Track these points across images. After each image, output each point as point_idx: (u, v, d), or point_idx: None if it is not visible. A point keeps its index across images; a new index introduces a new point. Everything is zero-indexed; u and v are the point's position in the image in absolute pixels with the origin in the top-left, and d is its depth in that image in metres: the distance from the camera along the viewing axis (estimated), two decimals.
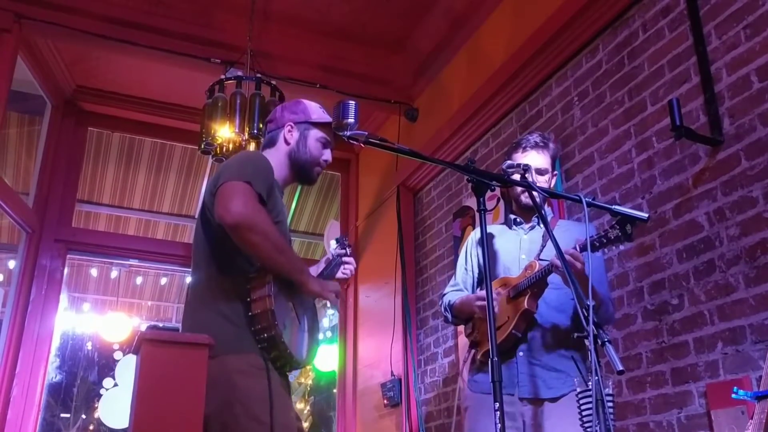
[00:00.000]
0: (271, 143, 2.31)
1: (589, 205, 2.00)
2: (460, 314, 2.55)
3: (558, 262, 2.15)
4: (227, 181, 1.98)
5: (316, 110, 2.34)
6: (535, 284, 2.28)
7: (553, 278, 2.27)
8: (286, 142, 2.28)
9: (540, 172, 2.48)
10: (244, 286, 2.01)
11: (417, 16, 4.35)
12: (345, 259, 2.43)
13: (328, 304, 2.31)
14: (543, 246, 2.39)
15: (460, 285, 2.62)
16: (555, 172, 2.59)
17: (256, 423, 1.89)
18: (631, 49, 2.95)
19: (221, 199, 1.95)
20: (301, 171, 2.30)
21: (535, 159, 2.48)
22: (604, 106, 3.06)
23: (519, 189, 2.49)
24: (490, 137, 3.98)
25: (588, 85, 3.19)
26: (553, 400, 2.27)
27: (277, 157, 2.25)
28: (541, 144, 2.52)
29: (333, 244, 2.49)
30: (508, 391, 2.21)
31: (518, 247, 2.49)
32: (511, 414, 2.22)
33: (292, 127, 2.29)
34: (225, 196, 1.95)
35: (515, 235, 2.53)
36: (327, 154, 2.34)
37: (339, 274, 2.42)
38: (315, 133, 2.30)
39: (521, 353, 2.33)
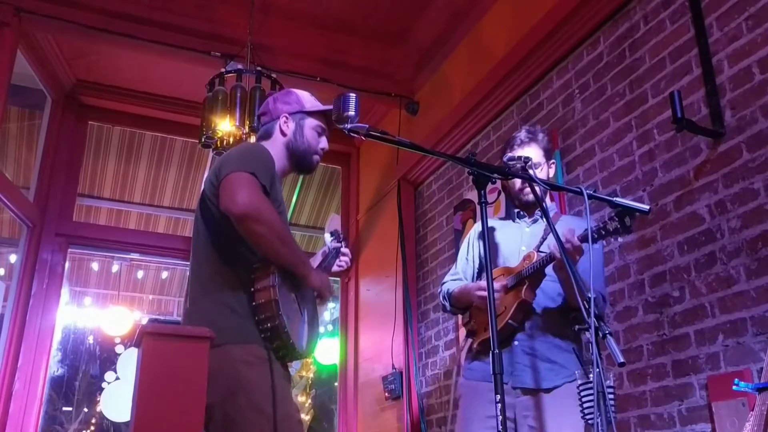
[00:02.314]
0: (267, 135, 2.31)
1: (590, 197, 2.00)
2: (458, 303, 2.56)
3: (556, 254, 2.16)
4: (232, 172, 1.98)
5: (308, 99, 2.35)
6: (533, 275, 2.28)
7: (551, 270, 2.27)
8: (283, 134, 2.28)
9: (532, 166, 2.46)
10: (247, 277, 2.02)
11: (417, 8, 4.34)
12: (342, 250, 2.44)
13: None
14: (543, 238, 2.39)
15: (459, 274, 2.63)
16: (552, 161, 2.57)
17: (259, 413, 1.90)
18: (632, 41, 2.94)
19: (227, 190, 1.95)
20: (300, 160, 2.30)
21: (526, 153, 2.48)
22: (605, 98, 3.05)
23: (518, 186, 2.49)
24: (491, 130, 3.97)
25: (589, 78, 3.18)
26: (548, 390, 2.28)
27: (274, 149, 2.25)
28: (526, 139, 2.52)
29: (328, 237, 2.50)
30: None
31: (519, 240, 2.49)
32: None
33: (287, 118, 2.29)
34: (231, 187, 1.95)
35: (517, 227, 2.54)
36: (324, 142, 2.35)
37: (335, 267, 2.43)
38: (310, 122, 2.31)
39: (517, 343, 2.34)
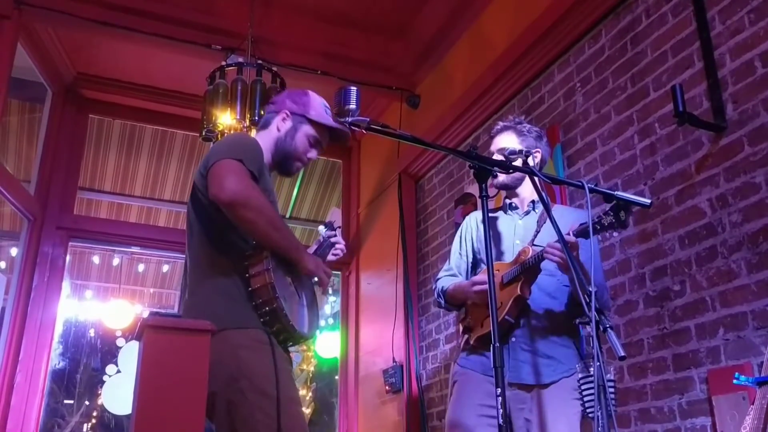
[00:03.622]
0: (265, 126, 2.32)
1: (591, 191, 1.99)
2: (453, 300, 2.55)
3: (550, 249, 2.16)
4: (219, 160, 1.99)
5: (317, 107, 2.31)
6: (528, 270, 2.28)
7: (547, 264, 2.27)
8: (277, 129, 2.28)
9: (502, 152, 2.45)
10: (241, 263, 2.02)
11: (419, 1, 4.32)
12: (334, 239, 2.44)
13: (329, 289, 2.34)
14: (537, 232, 2.39)
15: (453, 270, 2.63)
16: (537, 150, 2.50)
17: (264, 396, 1.91)
18: (633, 35, 2.93)
19: (214, 178, 1.96)
20: (282, 161, 2.28)
21: (501, 141, 2.50)
22: (607, 92, 3.05)
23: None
24: (492, 124, 3.95)
25: (590, 71, 3.17)
26: (544, 386, 2.28)
27: (265, 141, 2.25)
28: (500, 127, 2.55)
29: (322, 229, 2.50)
30: None
31: (512, 233, 2.49)
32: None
33: (286, 116, 2.29)
34: (218, 175, 1.95)
35: (510, 220, 2.53)
36: (312, 153, 2.32)
37: (330, 256, 2.44)
38: (307, 129, 2.28)
39: (513, 339, 2.33)
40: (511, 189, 2.54)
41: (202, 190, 2.07)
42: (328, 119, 2.29)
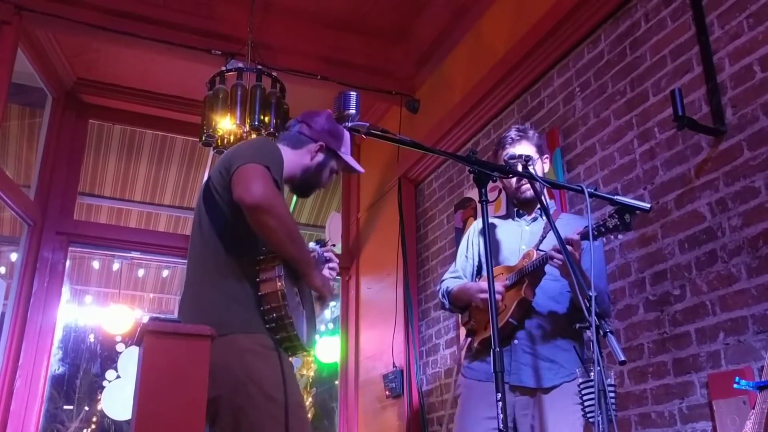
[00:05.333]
0: (296, 144, 2.32)
1: (591, 195, 2.00)
2: (457, 301, 2.56)
3: (554, 253, 2.16)
4: (247, 163, 1.99)
5: (347, 143, 2.39)
6: (532, 273, 2.29)
7: (551, 268, 2.27)
8: (310, 158, 2.31)
9: (533, 163, 2.48)
10: (251, 268, 2.03)
11: (418, 6, 4.34)
12: (328, 255, 2.42)
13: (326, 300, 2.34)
14: (543, 237, 2.39)
15: (459, 272, 2.63)
16: (546, 156, 2.60)
17: (272, 402, 1.91)
18: (633, 39, 2.94)
19: (242, 180, 1.96)
20: (302, 185, 2.35)
21: (519, 151, 2.49)
22: (606, 96, 3.05)
23: (515, 184, 2.50)
24: (491, 128, 3.97)
25: (590, 76, 3.18)
26: (546, 390, 2.28)
27: (291, 159, 2.26)
28: (517, 137, 2.54)
29: (313, 245, 2.48)
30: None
31: (519, 238, 2.50)
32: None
33: (321, 149, 2.31)
34: (245, 178, 1.96)
35: (517, 226, 2.54)
36: (329, 182, 2.43)
37: (325, 272, 2.42)
38: (334, 164, 2.36)
39: (516, 342, 2.34)
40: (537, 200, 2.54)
41: (220, 189, 2.08)
42: (354, 163, 2.41)
